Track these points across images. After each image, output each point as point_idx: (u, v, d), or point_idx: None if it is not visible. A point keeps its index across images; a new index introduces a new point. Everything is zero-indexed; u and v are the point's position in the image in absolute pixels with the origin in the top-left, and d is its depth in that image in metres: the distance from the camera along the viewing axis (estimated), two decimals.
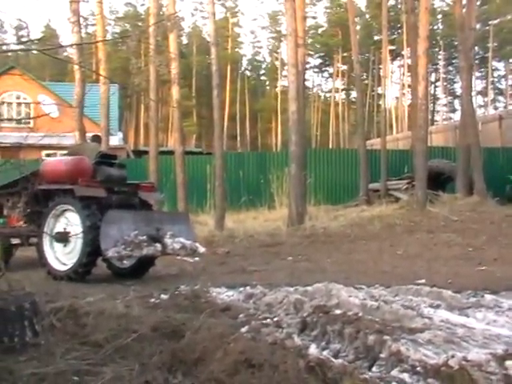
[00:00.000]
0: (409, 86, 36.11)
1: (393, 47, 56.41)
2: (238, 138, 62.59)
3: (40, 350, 3.43)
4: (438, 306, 4.52)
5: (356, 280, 6.75)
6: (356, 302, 4.42)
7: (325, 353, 3.39)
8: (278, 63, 67.52)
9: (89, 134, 13.11)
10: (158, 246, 7.80)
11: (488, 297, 5.04)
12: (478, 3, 46.21)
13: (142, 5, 66.08)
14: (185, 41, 67.17)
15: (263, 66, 75.29)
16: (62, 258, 8.06)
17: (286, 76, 50.12)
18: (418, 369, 2.99)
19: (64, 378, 2.98)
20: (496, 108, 61.01)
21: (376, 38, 58.51)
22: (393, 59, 60.63)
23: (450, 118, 64.18)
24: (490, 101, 63.31)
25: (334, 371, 2.98)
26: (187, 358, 3.25)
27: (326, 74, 72.90)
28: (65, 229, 8.04)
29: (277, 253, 10.85)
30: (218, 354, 3.20)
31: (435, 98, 66.77)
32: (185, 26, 68.66)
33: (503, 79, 65.34)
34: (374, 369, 3.15)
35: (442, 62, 63.82)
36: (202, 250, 8.33)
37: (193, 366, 3.18)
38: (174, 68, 16.83)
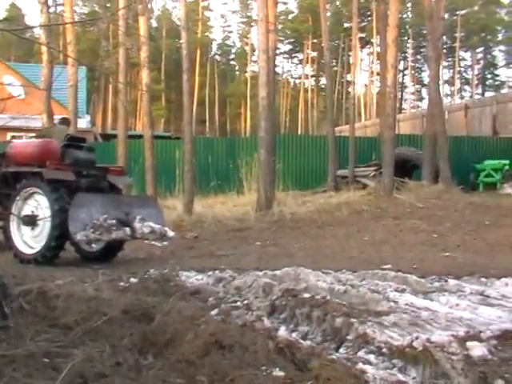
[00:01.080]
0: (378, 74, 36.42)
1: (363, 35, 56.71)
2: (207, 123, 62.32)
3: (9, 332, 3.42)
4: (403, 291, 4.63)
5: (323, 265, 6.84)
6: (324, 285, 4.52)
7: (294, 335, 3.47)
8: (247, 48, 67.21)
9: (57, 117, 12.89)
10: (128, 230, 7.75)
11: (451, 281, 5.18)
12: None
13: None
14: (154, 24, 66.29)
15: (233, 50, 74.92)
16: (30, 241, 7.96)
17: (255, 61, 50.03)
18: (384, 350, 3.08)
19: (34, 360, 2.98)
20: (462, 97, 62.00)
21: (346, 25, 58.80)
22: (362, 47, 60.93)
23: (418, 107, 64.98)
24: (456, 90, 64.27)
25: (302, 352, 3.05)
26: (158, 340, 3.29)
27: (295, 60, 72.93)
28: (33, 212, 7.95)
29: (245, 237, 10.92)
30: (188, 336, 3.25)
31: (403, 86, 67.42)
32: (155, 9, 67.79)
33: (470, 69, 66.36)
34: (341, 350, 3.24)
35: (410, 51, 64.42)
36: (171, 234, 8.29)
37: (163, 348, 3.23)
38: (144, 51, 16.64)
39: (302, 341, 3.30)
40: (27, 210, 8.03)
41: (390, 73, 15.85)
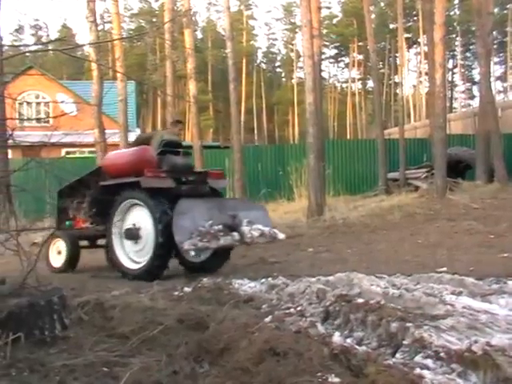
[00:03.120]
0: (426, 74, 35.84)
1: (409, 35, 56.00)
2: (255, 131, 62.60)
3: (69, 342, 3.52)
4: (460, 293, 4.51)
5: (377, 269, 6.76)
6: (378, 290, 4.45)
7: (348, 340, 3.43)
8: (293, 55, 67.33)
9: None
10: (236, 235, 7.28)
11: (511, 283, 5.02)
12: None
13: (157, 0, 66.30)
14: (199, 35, 67.22)
15: (278, 58, 75.19)
16: (134, 256, 7.66)
17: (301, 67, 50.01)
18: (442, 354, 3.01)
19: (94, 369, 3.06)
20: None
21: (391, 26, 58.16)
22: (409, 47, 60.15)
23: (469, 105, 63.54)
24: (509, 86, 62.49)
25: (357, 358, 3.02)
26: (213, 348, 3.32)
27: (341, 65, 72.63)
28: (134, 225, 7.65)
29: (297, 244, 10.88)
30: (242, 343, 3.26)
31: (453, 85, 66.15)
32: (199, 21, 68.76)
33: None
34: (397, 355, 3.18)
35: (459, 49, 63.11)
36: (281, 236, 7.79)
37: (218, 356, 3.25)
38: (191, 63, 16.90)
39: (357, 346, 3.26)
40: (128, 224, 7.74)
41: (439, 72, 15.58)
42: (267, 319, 3.92)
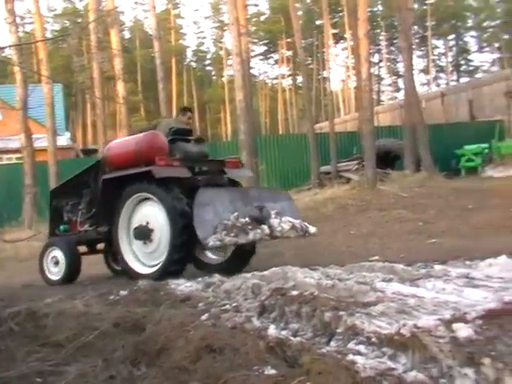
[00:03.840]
0: (353, 69, 36.61)
1: (335, 31, 57.02)
2: None
3: (0, 355, 3.42)
4: (390, 280, 4.67)
5: (312, 261, 6.87)
6: (312, 282, 4.55)
7: (284, 333, 3.49)
8: (222, 53, 67.30)
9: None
10: (265, 228, 6.42)
11: (437, 267, 5.23)
12: None
13: (81, 0, 64.81)
14: (127, 35, 66.20)
15: (208, 56, 75.01)
16: (145, 259, 6.80)
17: (231, 65, 50.19)
18: (373, 340, 3.11)
19: (27, 381, 3.00)
20: (438, 85, 62.46)
21: (318, 22, 59.01)
22: (336, 42, 61.29)
23: (396, 98, 65.38)
24: (432, 78, 64.75)
25: (293, 349, 3.08)
26: (150, 349, 3.31)
27: (271, 61, 73.15)
28: (144, 223, 6.74)
29: None
30: (179, 342, 3.27)
31: (380, 79, 67.85)
32: (126, 21, 67.68)
33: (443, 56, 66.89)
34: (331, 343, 3.27)
35: (384, 43, 64.80)
36: (313, 229, 6.99)
37: (156, 357, 3.25)
38: (118, 64, 16.65)
39: (292, 338, 3.33)
40: (137, 222, 6.81)
41: (364, 66, 15.99)
42: (203, 317, 3.94)
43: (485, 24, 61.96)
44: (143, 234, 6.71)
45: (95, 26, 16.65)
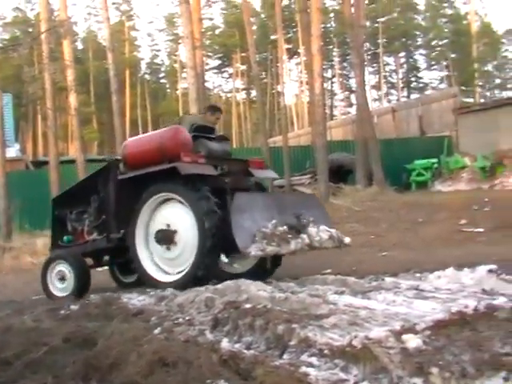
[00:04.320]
0: (307, 83, 37.09)
1: (289, 46, 57.67)
2: None
3: None
4: (342, 293, 4.75)
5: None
6: (265, 295, 4.57)
7: (237, 346, 3.50)
8: (177, 66, 67.12)
9: None
10: (305, 237, 5.93)
11: (388, 279, 5.35)
12: (366, 2, 48.16)
13: (32, 9, 63.65)
14: (80, 46, 65.33)
15: (162, 68, 74.65)
16: (166, 265, 6.28)
17: (185, 78, 50.12)
18: (326, 352, 3.16)
19: None
20: (390, 101, 63.85)
21: (273, 37, 59.60)
22: (290, 57, 61.95)
23: (348, 112, 66.43)
24: (383, 94, 66.12)
25: (246, 362, 3.10)
26: (101, 364, 3.26)
27: (225, 75, 73.34)
28: (167, 226, 6.22)
29: None
30: (132, 357, 3.23)
31: (333, 94, 68.84)
32: (79, 31, 66.85)
33: (394, 73, 68.45)
34: (284, 356, 3.29)
35: (336, 59, 65.88)
36: (347, 240, 6.47)
37: (107, 372, 3.20)
38: (70, 74, 16.42)
39: (245, 351, 3.34)
40: (159, 225, 6.30)
41: (317, 81, 16.24)
42: (156, 331, 3.91)
43: (433, 43, 63.85)
44: (166, 238, 6.18)
45: (47, 36, 16.35)
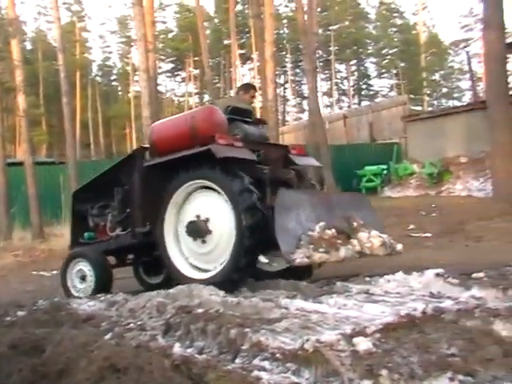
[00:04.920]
0: (259, 89, 37.31)
1: (242, 51, 57.84)
2: (92, 146, 60.72)
3: None
4: (294, 297, 4.78)
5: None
6: (217, 299, 4.57)
7: (189, 350, 3.49)
8: (129, 68, 66.42)
9: None
10: (356, 243, 5.30)
11: (339, 284, 5.41)
12: (319, 9, 48.86)
13: None
14: (29, 46, 63.87)
15: (114, 71, 73.72)
16: (198, 261, 5.69)
17: (138, 81, 49.61)
18: (278, 355, 3.17)
19: None
20: (341, 107, 64.76)
21: (226, 42, 59.71)
22: (243, 63, 62.11)
23: (300, 118, 67.07)
24: (335, 101, 67.05)
25: (198, 367, 3.08)
26: (50, 371, 3.19)
27: (178, 79, 73.01)
28: (199, 217, 5.57)
29: None
30: (81, 363, 3.17)
31: (285, 100, 69.37)
32: (28, 31, 65.38)
33: (345, 80, 69.52)
34: (236, 360, 3.30)
35: (289, 65, 66.46)
36: (399, 247, 5.78)
37: (56, 379, 3.13)
38: (19, 75, 16.03)
39: (197, 355, 3.33)
40: (191, 216, 5.65)
41: (270, 87, 16.36)
42: (107, 336, 3.85)
43: (384, 51, 65.25)
44: (198, 230, 5.55)
45: None
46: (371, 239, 5.41)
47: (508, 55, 14.94)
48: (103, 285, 6.33)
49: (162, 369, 3.02)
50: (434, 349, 2.82)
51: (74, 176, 14.49)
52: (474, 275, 5.12)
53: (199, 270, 5.66)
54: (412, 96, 54.69)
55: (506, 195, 9.08)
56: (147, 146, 6.39)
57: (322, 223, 5.16)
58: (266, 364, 3.14)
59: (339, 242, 5.14)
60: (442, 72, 65.29)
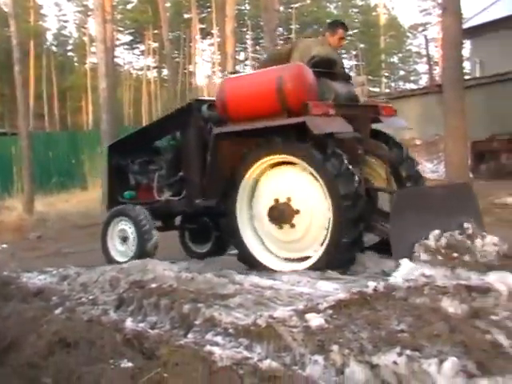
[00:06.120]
0: (219, 65, 36.97)
1: (203, 26, 57.09)
2: (46, 118, 59.23)
3: None
4: (248, 273, 4.80)
5: (176, 256, 6.82)
6: (171, 274, 4.54)
7: (141, 325, 3.47)
8: (86, 39, 64.80)
9: None
10: (472, 256, 4.25)
11: None
12: None
13: None
14: None
15: (71, 41, 71.81)
16: (280, 249, 4.94)
17: (95, 53, 48.46)
18: (230, 331, 3.19)
19: None
20: None
21: (186, 16, 58.79)
22: (203, 38, 61.36)
23: None
24: None
25: (150, 341, 3.08)
26: None
27: (137, 52, 71.64)
28: (279, 200, 4.77)
29: (92, 234, 10.56)
30: (30, 338, 3.13)
31: None
32: None
33: None
34: (189, 335, 3.30)
35: (250, 42, 66.02)
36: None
37: (4, 354, 3.09)
38: None
39: (150, 330, 3.32)
40: (268, 199, 4.84)
41: (230, 63, 16.22)
42: (57, 311, 3.80)
43: None
44: (282, 216, 4.76)
45: None
46: (485, 247, 4.35)
47: (464, 41, 15.19)
48: (146, 249, 5.72)
49: (114, 343, 3.01)
50: (383, 325, 2.87)
51: (26, 147, 14.12)
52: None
53: (277, 257, 4.97)
54: (370, 77, 55.17)
55: (457, 177, 9.28)
56: (204, 98, 5.55)
57: (437, 231, 4.36)
58: (219, 339, 3.15)
59: (455, 255, 4.23)
60: (400, 55, 65.97)
